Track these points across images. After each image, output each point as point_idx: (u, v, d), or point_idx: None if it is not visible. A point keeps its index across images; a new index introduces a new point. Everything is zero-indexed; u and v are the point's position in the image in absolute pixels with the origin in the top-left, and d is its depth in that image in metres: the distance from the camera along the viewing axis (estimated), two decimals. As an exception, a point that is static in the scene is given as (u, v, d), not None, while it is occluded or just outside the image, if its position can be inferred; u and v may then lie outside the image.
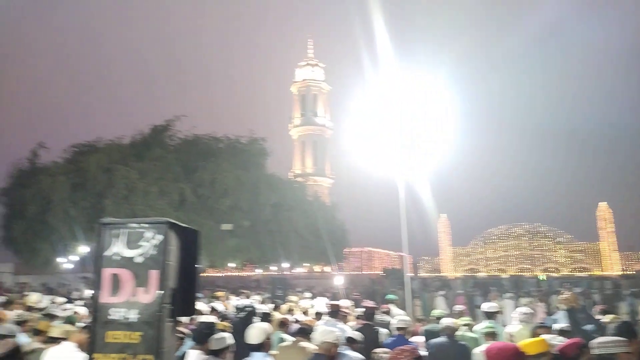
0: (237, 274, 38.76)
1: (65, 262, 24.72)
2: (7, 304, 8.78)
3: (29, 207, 21.39)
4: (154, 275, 3.06)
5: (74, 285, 23.87)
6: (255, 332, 3.94)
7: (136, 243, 3.12)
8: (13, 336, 4.51)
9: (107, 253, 3.12)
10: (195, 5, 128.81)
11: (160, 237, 3.13)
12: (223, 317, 7.28)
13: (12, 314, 6.89)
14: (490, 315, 6.48)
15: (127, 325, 3.00)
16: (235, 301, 10.89)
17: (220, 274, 38.01)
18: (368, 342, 4.96)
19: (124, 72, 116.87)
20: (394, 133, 9.70)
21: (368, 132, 10.24)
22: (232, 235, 23.94)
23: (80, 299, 13.26)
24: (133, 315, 3.01)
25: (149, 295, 3.04)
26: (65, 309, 8.15)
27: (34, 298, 10.08)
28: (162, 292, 3.05)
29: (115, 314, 3.02)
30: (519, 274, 42.49)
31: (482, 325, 5.70)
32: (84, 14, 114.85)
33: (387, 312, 7.53)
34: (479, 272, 48.84)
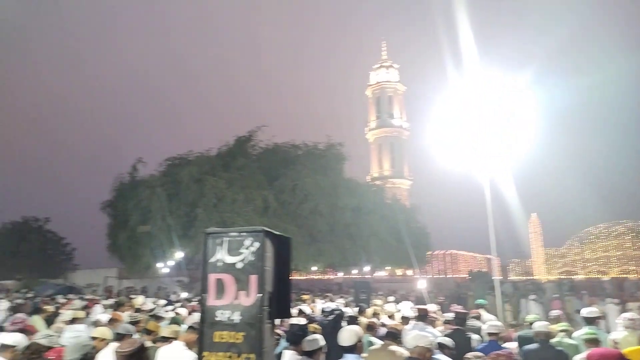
0: (319, 277, 39.42)
1: (163, 267, 26.74)
2: (118, 306, 9.74)
3: (131, 217, 23.51)
4: (253, 279, 3.31)
5: (171, 289, 25.83)
6: (348, 334, 4.06)
7: (237, 250, 3.39)
8: (131, 335, 5.05)
9: (212, 260, 3.43)
10: (269, 17, 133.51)
11: (257, 245, 3.37)
12: (310, 319, 7.52)
13: (125, 315, 7.68)
14: (590, 321, 6.07)
15: (231, 326, 3.27)
16: (320, 304, 11.15)
17: (303, 278, 38.93)
18: (459, 348, 4.88)
19: (211, 85, 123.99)
20: (477, 132, 9.41)
21: (448, 132, 10.04)
22: (313, 239, 24.47)
23: (178, 301, 14.32)
24: (236, 317, 3.27)
25: (250, 298, 3.28)
26: (166, 311, 8.88)
27: (140, 300, 11.12)
28: (261, 295, 3.28)
29: (221, 315, 3.30)
30: (623, 276, 38.69)
31: (582, 332, 5.37)
32: (169, 33, 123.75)
33: (478, 317, 7.32)
34: (575, 274, 45.19)
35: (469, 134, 9.57)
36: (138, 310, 8.86)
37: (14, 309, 9.45)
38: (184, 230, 22.96)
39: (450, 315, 6.60)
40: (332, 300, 12.54)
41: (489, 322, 5.80)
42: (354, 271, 32.84)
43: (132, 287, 24.97)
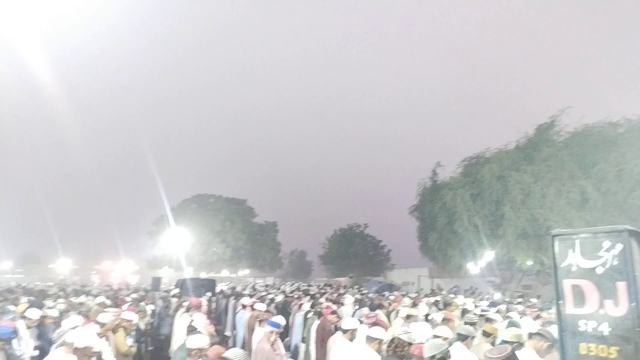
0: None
1: (474, 267, 26.83)
2: (445, 306, 10.19)
3: (438, 219, 24.64)
4: (621, 287, 2.87)
5: (482, 289, 25.62)
6: None
7: (593, 253, 3.03)
8: (473, 337, 5.20)
9: (563, 264, 3.17)
10: None
11: (620, 246, 2.92)
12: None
13: (454, 315, 7.96)
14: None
15: (600, 339, 2.92)
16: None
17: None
18: None
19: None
20: None
21: None
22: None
23: (494, 303, 13.92)
24: (605, 329, 2.90)
25: (620, 308, 2.86)
26: (483, 312, 8.67)
27: (461, 300, 11.35)
28: (635, 305, 2.81)
29: (585, 326, 2.99)
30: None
31: None
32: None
33: None
34: None
35: None
36: (465, 311, 9.07)
37: (360, 304, 11.19)
38: (492, 230, 22.44)
39: None
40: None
41: None
42: None
43: (438, 286, 26.05)
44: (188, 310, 8.16)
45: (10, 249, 73.73)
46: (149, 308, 10.28)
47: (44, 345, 6.57)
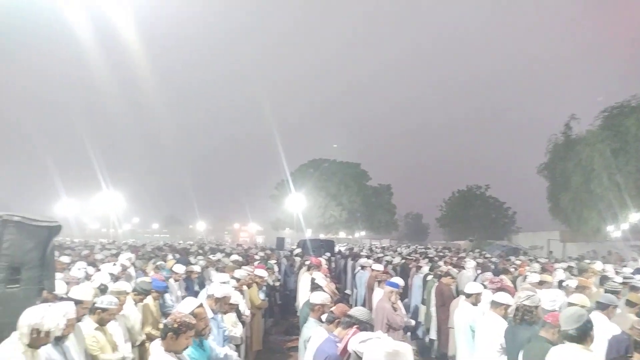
0: None
1: (614, 230, 23.99)
2: (580, 272, 9.32)
3: (572, 178, 22.33)
4: None
5: (625, 254, 22.76)
6: None
7: None
8: (615, 306, 4.69)
9: None
10: None
11: None
12: None
13: (591, 282, 7.23)
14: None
15: None
16: None
17: None
18: None
19: None
20: None
21: None
22: None
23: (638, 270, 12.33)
24: None
25: None
26: (626, 279, 7.68)
27: (599, 266, 10.21)
28: None
29: None
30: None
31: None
32: None
33: None
34: None
35: None
36: (604, 277, 8.20)
37: (482, 268, 10.73)
38: (638, 189, 19.74)
39: None
40: None
41: None
42: None
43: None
44: (309, 269, 8.60)
45: (157, 213, 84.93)
46: (276, 266, 11.08)
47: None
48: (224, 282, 5.65)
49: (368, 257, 13.20)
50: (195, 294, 6.36)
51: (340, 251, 20.91)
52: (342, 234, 47.75)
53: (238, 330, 5.43)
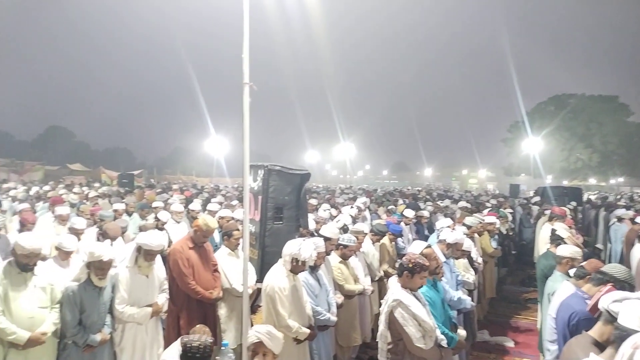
0: None
1: None
2: None
3: None
4: None
5: None
6: None
7: None
8: None
9: None
10: None
11: None
12: None
13: None
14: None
15: None
16: None
17: None
18: None
19: None
20: None
21: None
22: None
23: None
24: None
25: None
26: None
27: None
28: None
29: None
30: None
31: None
32: None
33: None
34: None
35: None
36: None
37: None
38: None
39: None
40: None
41: None
42: None
43: None
44: (550, 219, 7.81)
45: (386, 160, 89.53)
46: (509, 214, 10.42)
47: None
48: (447, 227, 5.67)
49: (627, 207, 11.18)
50: (425, 238, 6.56)
51: (590, 200, 18.29)
52: (592, 181, 41.29)
53: (470, 276, 5.43)
